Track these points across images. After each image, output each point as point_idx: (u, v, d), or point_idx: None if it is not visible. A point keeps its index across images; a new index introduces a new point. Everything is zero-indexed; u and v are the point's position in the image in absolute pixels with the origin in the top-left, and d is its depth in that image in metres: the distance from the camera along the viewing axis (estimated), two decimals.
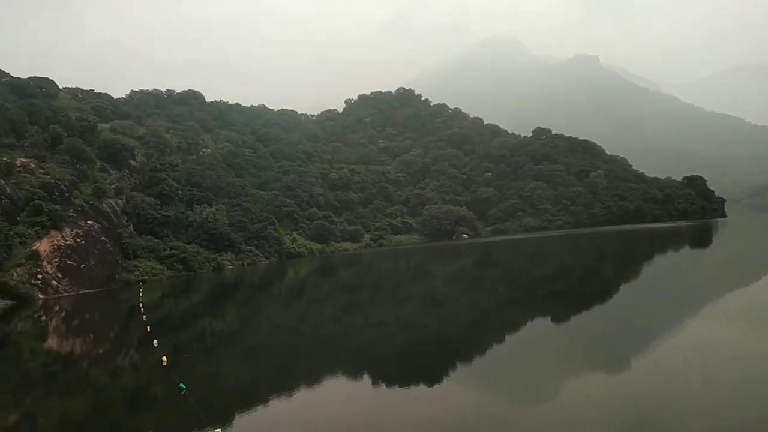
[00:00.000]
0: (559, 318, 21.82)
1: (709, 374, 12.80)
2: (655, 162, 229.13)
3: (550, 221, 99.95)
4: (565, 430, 10.35)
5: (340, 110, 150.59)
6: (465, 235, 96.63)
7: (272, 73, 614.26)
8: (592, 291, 29.47)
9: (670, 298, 24.99)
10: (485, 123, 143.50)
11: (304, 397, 14.34)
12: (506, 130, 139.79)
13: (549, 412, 11.56)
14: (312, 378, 15.82)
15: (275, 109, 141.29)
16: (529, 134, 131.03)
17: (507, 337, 19.53)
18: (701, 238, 61.49)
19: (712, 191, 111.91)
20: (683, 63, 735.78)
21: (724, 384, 11.95)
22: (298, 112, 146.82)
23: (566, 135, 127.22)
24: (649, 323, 19.44)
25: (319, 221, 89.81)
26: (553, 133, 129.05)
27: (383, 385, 15.06)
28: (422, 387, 14.39)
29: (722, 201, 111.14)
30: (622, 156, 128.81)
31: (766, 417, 9.96)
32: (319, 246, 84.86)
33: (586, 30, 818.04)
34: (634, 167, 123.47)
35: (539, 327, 20.90)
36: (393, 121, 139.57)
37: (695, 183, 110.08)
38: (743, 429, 9.48)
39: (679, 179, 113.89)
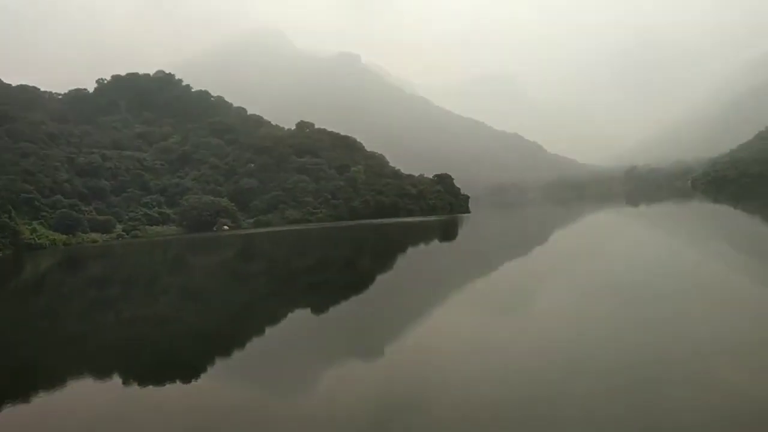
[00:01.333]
0: (318, 309, 21.87)
1: (459, 359, 13.39)
2: (409, 160, 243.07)
3: (312, 214, 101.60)
4: (324, 420, 10.20)
5: (92, 90, 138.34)
6: (226, 227, 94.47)
7: (13, 46, 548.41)
8: (350, 281, 30.05)
9: (421, 288, 26.26)
10: (249, 113, 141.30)
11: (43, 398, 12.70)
12: (270, 122, 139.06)
13: (308, 403, 11.41)
14: (53, 378, 14.19)
15: (13, 85, 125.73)
16: (293, 127, 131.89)
17: (267, 330, 19.08)
18: (448, 232, 66.17)
19: (459, 189, 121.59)
20: (436, 69, 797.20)
21: (471, 367, 12.55)
22: (42, 89, 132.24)
23: (329, 130, 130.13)
24: (402, 312, 20.20)
25: (63, 210, 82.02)
26: (317, 127, 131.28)
27: (135, 384, 13.81)
28: (177, 384, 13.53)
29: (467, 198, 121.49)
30: (380, 153, 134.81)
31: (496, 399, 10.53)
32: (64, 237, 77.73)
33: (350, 28, 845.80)
34: (391, 164, 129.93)
35: (299, 318, 20.74)
36: (151, 106, 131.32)
37: (444, 181, 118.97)
38: (485, 409, 9.93)
39: (431, 177, 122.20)
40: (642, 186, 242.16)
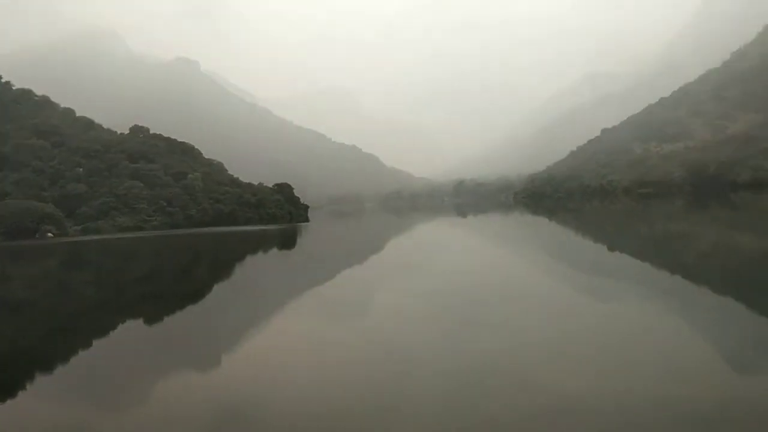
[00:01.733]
0: (151, 319, 21.24)
1: (294, 365, 13.88)
2: (249, 168, 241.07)
3: (146, 221, 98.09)
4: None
5: None
6: (50, 234, 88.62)
7: None
8: (185, 291, 29.40)
9: (258, 296, 26.53)
10: (78, 115, 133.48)
11: None
12: (101, 125, 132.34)
13: (137, 415, 11.06)
14: None
15: None
16: (126, 131, 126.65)
17: (95, 342, 18.19)
18: (287, 240, 67.30)
19: (299, 198, 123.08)
20: (278, 80, 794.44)
21: (305, 372, 13.06)
22: None
23: (165, 135, 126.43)
24: (239, 320, 20.15)
25: None
26: (152, 132, 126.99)
27: None
28: None
29: (306, 207, 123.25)
30: (219, 161, 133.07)
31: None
32: None
33: (190, 34, 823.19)
34: (230, 172, 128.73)
35: (130, 330, 19.96)
36: None
37: (284, 190, 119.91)
38: (319, 414, 10.35)
39: (271, 186, 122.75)
40: (470, 199, 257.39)
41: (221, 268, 40.42)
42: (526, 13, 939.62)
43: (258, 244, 64.06)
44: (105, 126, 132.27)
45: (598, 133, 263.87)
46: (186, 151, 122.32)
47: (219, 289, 29.26)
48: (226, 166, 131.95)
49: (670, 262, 29.77)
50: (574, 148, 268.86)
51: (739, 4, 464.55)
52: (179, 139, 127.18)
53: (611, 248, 40.88)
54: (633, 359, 12.41)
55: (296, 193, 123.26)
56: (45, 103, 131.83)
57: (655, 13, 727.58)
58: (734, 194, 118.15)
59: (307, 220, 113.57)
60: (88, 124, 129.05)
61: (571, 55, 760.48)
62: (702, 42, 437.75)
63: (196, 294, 27.40)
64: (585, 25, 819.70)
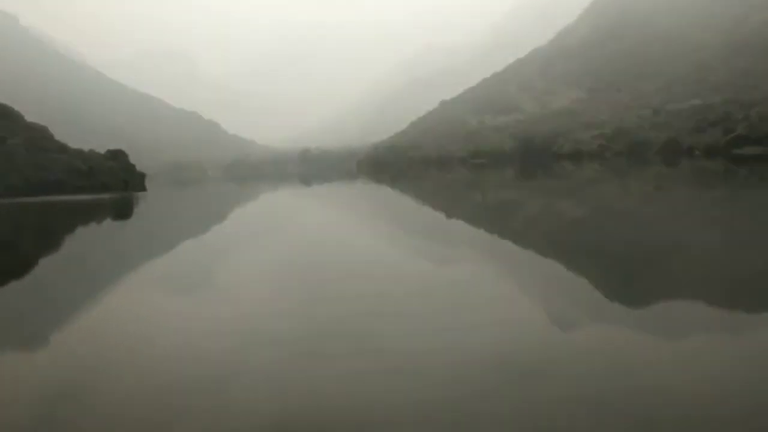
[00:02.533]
0: None
1: (129, 342, 13.33)
2: (79, 134, 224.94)
3: None
4: None
5: None
6: None
7: None
8: (10, 266, 27.00)
9: (90, 272, 24.80)
10: None
11: None
12: None
13: None
14: None
15: None
16: None
17: None
18: (122, 210, 63.94)
19: (134, 165, 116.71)
20: (109, 40, 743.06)
21: (141, 349, 12.66)
22: None
23: None
24: (71, 298, 18.95)
25: None
26: None
27: None
28: None
29: (143, 175, 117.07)
30: (43, 125, 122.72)
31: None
32: None
33: None
34: (57, 138, 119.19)
35: None
36: None
37: (118, 157, 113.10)
38: (154, 392, 10.17)
39: (103, 152, 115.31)
40: (315, 167, 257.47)
41: (47, 242, 37.26)
42: None
43: (89, 214, 60.30)
44: None
45: (436, 104, 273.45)
46: (4, 114, 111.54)
47: (46, 264, 27.16)
48: (54, 131, 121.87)
49: (501, 228, 31.87)
50: (414, 119, 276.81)
51: None
52: None
53: (448, 216, 42.89)
54: (467, 319, 13.21)
55: (132, 160, 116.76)
56: None
57: None
58: (557, 164, 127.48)
59: (144, 188, 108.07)
60: None
61: (412, 27, 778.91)
62: (533, 19, 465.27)
63: (15, 271, 25.12)
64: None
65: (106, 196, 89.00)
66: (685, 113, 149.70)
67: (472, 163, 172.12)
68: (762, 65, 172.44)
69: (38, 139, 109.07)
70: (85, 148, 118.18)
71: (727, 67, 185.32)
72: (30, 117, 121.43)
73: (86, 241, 38.28)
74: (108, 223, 51.14)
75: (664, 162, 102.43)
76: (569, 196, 53.39)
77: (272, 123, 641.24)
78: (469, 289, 16.68)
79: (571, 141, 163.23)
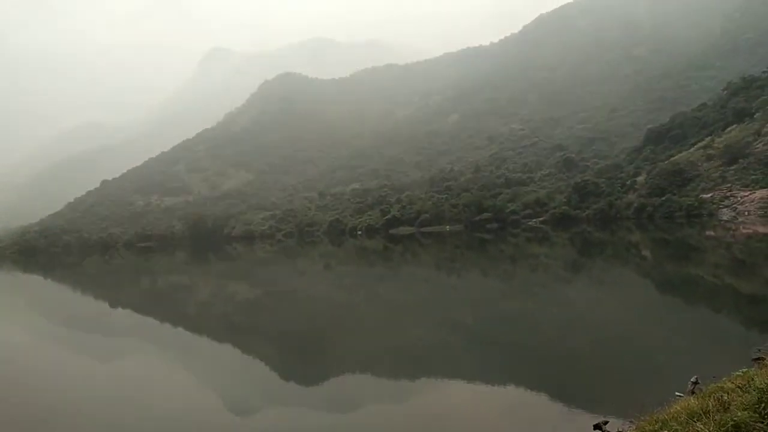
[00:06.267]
0: None
1: None
2: None
3: None
4: None
5: None
6: None
7: None
8: None
9: None
10: None
11: None
12: None
13: None
14: None
15: None
16: None
17: None
18: None
19: None
20: None
21: None
22: None
23: None
24: None
25: None
26: None
27: None
28: None
29: None
30: None
31: None
32: None
33: None
34: None
35: None
36: None
37: None
38: None
39: None
40: None
41: None
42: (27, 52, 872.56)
43: None
44: None
45: (97, 184, 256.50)
46: None
47: None
48: None
49: (172, 314, 30.10)
50: (72, 200, 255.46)
51: (229, 71, 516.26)
52: None
53: (113, 305, 39.43)
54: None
55: None
56: None
57: (153, 69, 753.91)
58: (230, 246, 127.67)
59: None
60: None
61: (70, 99, 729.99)
62: (197, 103, 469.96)
63: None
64: (88, 69, 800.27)
65: None
66: (347, 196, 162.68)
67: (138, 247, 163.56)
68: (407, 154, 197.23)
69: None
70: None
71: (380, 155, 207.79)
72: None
73: None
74: None
75: (330, 242, 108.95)
76: (243, 279, 53.28)
77: None
78: (144, 383, 15.59)
79: (243, 222, 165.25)
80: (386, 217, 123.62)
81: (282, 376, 15.59)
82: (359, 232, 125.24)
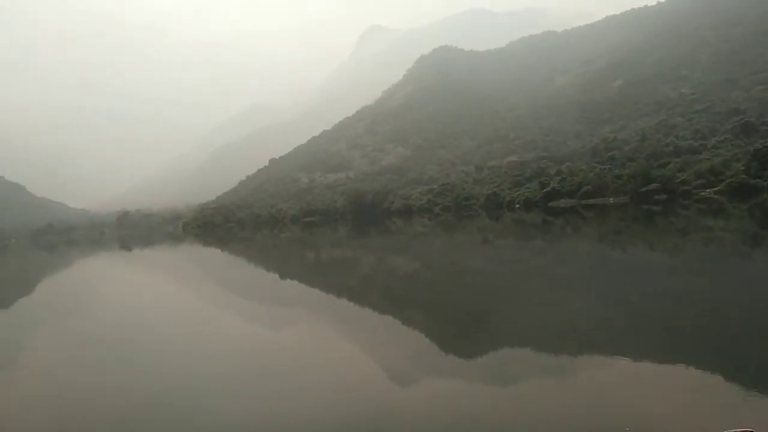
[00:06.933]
0: None
1: None
2: None
3: None
4: None
5: None
6: None
7: None
8: None
9: None
10: None
11: None
12: None
13: None
14: None
15: None
16: None
17: None
18: None
19: None
20: None
21: None
22: None
23: None
24: None
25: None
26: None
27: None
28: None
29: None
30: None
31: None
32: None
33: None
34: None
35: None
36: None
37: None
38: None
39: None
40: (135, 231, 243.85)
41: None
42: (194, 43, 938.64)
43: None
44: None
45: (266, 162, 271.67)
46: None
47: None
48: None
49: (336, 286, 31.29)
50: (244, 178, 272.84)
51: (386, 48, 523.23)
52: None
53: (282, 276, 41.70)
54: (311, 382, 12.69)
55: None
56: None
57: (316, 49, 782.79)
58: (389, 220, 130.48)
59: None
60: None
61: (237, 86, 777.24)
62: (357, 80, 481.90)
63: None
64: (252, 54, 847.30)
65: None
66: (504, 169, 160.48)
67: (304, 222, 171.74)
68: (567, 124, 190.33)
69: None
70: None
71: (538, 125, 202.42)
72: None
73: None
74: None
75: (488, 215, 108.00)
76: (402, 252, 54.26)
77: (85, 185, 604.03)
78: (311, 352, 16.39)
79: (401, 197, 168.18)
80: (545, 189, 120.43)
81: (441, 348, 15.62)
82: (517, 206, 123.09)
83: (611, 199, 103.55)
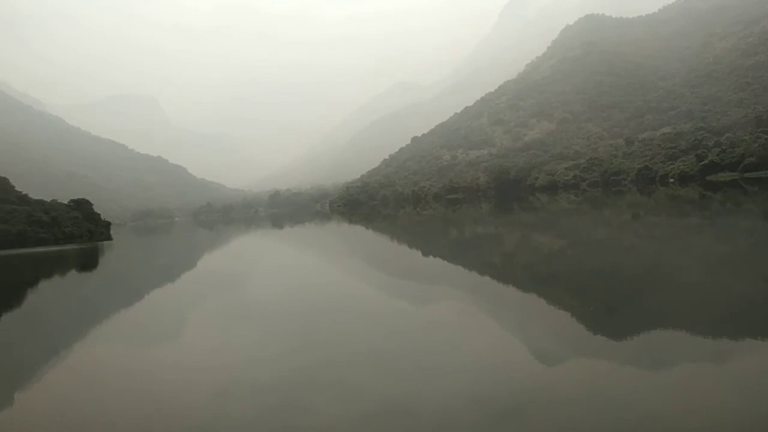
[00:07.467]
0: None
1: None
2: (41, 183, 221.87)
3: None
4: None
5: None
6: None
7: None
8: None
9: (55, 324, 23.27)
10: None
11: None
12: None
13: None
14: None
15: None
16: None
17: None
18: (87, 261, 61.35)
19: (99, 215, 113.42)
20: (70, 85, 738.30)
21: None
22: None
23: None
24: (33, 356, 17.67)
25: None
26: None
27: None
28: None
29: (108, 224, 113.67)
30: (3, 176, 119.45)
31: None
32: None
33: None
34: (17, 188, 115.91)
35: None
36: None
37: (82, 206, 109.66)
38: None
39: (66, 202, 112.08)
40: (286, 209, 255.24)
41: (9, 296, 34.59)
42: (336, 26, 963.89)
43: (52, 266, 57.55)
44: None
45: (408, 141, 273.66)
46: None
47: (8, 320, 25.38)
48: (13, 181, 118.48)
49: (479, 263, 30.65)
50: (387, 156, 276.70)
51: (530, 20, 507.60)
52: None
53: (425, 254, 41.55)
54: (454, 360, 12.67)
55: (96, 208, 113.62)
56: None
57: (456, 26, 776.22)
58: (533, 196, 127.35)
59: (109, 238, 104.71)
60: None
61: (382, 64, 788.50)
62: (498, 55, 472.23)
63: None
64: (393, 35, 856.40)
65: (70, 247, 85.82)
66: (657, 141, 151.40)
67: (447, 199, 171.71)
68: (728, 92, 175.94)
69: None
70: (47, 197, 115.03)
71: (695, 94, 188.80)
72: None
73: (49, 295, 35.81)
74: (72, 275, 48.44)
75: (639, 190, 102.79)
76: (547, 229, 52.66)
77: (241, 166, 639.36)
78: (454, 330, 16.21)
79: (545, 173, 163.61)
80: (702, 162, 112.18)
81: (589, 329, 14.81)
82: (671, 180, 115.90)
83: None
